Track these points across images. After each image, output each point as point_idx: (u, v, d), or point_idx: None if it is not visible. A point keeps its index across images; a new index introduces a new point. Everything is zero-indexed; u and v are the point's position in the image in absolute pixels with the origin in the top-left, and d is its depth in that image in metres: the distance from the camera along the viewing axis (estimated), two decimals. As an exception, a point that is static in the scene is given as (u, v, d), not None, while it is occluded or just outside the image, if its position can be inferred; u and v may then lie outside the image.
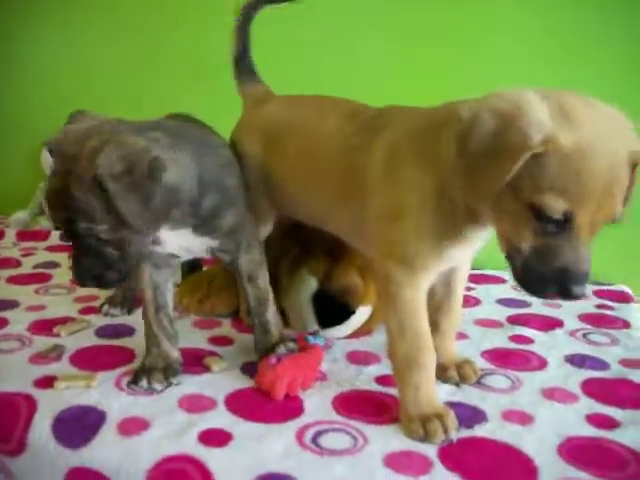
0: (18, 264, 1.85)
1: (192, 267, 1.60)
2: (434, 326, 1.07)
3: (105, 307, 1.42)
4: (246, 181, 1.21)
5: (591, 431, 0.94)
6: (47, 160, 2.26)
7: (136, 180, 0.88)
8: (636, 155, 0.80)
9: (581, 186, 0.78)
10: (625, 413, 0.99)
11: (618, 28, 1.64)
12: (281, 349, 1.12)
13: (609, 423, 0.96)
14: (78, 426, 0.96)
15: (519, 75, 1.70)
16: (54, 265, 1.83)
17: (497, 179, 0.81)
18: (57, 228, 0.97)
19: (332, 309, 1.27)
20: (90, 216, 0.88)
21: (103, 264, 0.94)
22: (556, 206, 0.79)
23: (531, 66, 1.72)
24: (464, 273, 1.11)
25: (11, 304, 1.46)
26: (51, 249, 2.03)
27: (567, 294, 0.83)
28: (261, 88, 1.33)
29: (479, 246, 1.01)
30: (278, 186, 1.20)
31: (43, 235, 2.20)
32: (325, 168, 1.10)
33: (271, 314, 1.16)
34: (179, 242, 1.06)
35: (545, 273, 0.83)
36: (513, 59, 1.75)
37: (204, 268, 1.63)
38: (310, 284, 1.28)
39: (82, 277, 0.96)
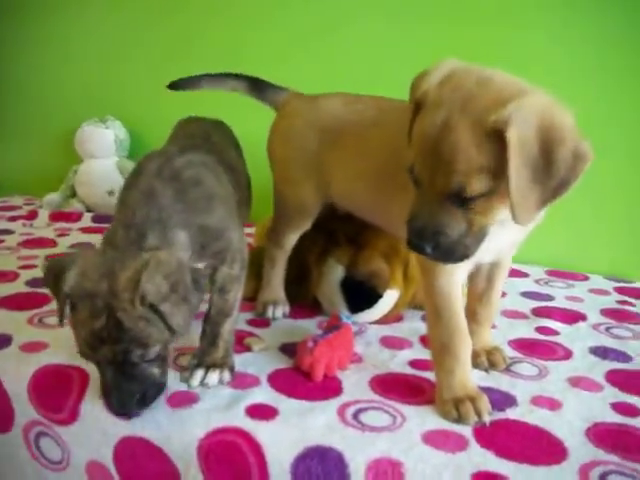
0: (54, 244, 1.90)
1: None
2: (472, 315, 1.12)
3: None
4: (289, 177, 1.28)
5: (617, 418, 0.97)
6: (80, 143, 2.32)
7: (182, 294, 0.91)
8: (498, 123, 0.78)
9: (417, 139, 0.85)
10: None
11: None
12: (213, 377, 1.05)
13: (634, 411, 0.99)
14: (129, 398, 0.99)
15: (530, 55, 1.69)
16: (88, 246, 1.86)
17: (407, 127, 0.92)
18: (98, 364, 0.93)
19: (360, 294, 1.31)
20: (144, 343, 0.89)
21: (146, 385, 0.93)
22: (409, 157, 0.87)
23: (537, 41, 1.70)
24: (505, 269, 1.13)
25: (52, 282, 1.49)
26: (84, 230, 2.07)
27: (408, 244, 0.88)
28: (292, 92, 1.38)
29: (512, 240, 1.03)
30: (333, 177, 1.25)
31: (75, 217, 2.24)
32: (381, 163, 1.14)
33: (226, 330, 1.10)
34: None
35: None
36: (523, 39, 1.71)
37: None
38: (337, 272, 1.32)
39: (125, 405, 0.92)
